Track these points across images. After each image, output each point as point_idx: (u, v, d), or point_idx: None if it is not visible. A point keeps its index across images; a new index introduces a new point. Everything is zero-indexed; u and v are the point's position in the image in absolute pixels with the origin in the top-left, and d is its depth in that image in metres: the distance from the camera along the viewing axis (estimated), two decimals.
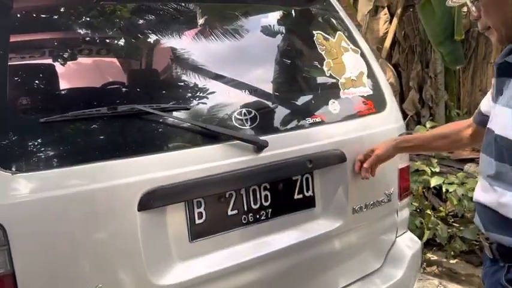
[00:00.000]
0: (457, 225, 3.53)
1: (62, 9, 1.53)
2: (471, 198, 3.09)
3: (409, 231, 2.21)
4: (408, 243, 2.09)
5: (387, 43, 4.49)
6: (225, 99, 1.60)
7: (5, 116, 1.24)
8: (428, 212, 3.30)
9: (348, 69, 1.93)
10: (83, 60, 1.54)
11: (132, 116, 1.37)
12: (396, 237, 2.09)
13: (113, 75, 1.57)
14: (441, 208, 3.52)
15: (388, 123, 1.98)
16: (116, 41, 1.61)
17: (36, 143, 1.27)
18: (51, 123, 1.28)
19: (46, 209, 1.23)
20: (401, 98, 5.12)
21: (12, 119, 1.26)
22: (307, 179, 1.75)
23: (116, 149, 1.34)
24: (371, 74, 2.01)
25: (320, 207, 1.80)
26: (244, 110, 1.58)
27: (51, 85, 1.41)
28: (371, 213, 1.92)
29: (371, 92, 1.97)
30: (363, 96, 1.94)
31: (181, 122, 1.45)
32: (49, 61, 1.45)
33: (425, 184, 3.34)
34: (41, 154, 1.27)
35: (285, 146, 1.64)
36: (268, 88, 1.72)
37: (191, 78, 1.59)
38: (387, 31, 4.54)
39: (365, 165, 1.73)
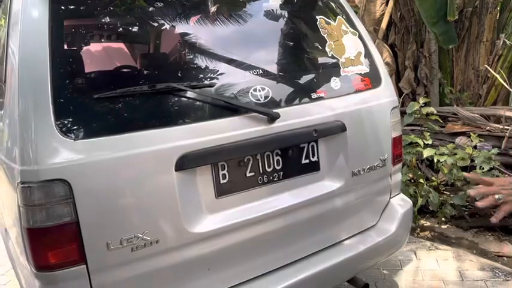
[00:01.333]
0: (448, 193, 3.83)
1: None
2: (460, 167, 3.38)
3: (401, 193, 2.50)
4: (400, 203, 2.38)
5: (383, 24, 4.72)
6: (243, 78, 1.85)
7: (66, 94, 1.51)
8: (421, 181, 3.59)
9: (347, 49, 2.19)
10: (126, 45, 1.79)
11: (168, 93, 1.64)
12: (390, 197, 2.38)
13: (152, 58, 1.80)
14: (433, 178, 3.81)
15: (382, 98, 2.25)
16: (151, 29, 1.85)
17: (91, 115, 1.54)
18: (103, 98, 1.54)
19: (102, 169, 1.51)
20: (397, 77, 5.37)
21: (72, 96, 1.52)
22: (312, 146, 2.03)
23: (156, 120, 1.61)
24: (368, 54, 2.27)
25: (324, 170, 2.08)
26: (258, 87, 1.84)
27: (101, 67, 1.66)
28: (368, 176, 2.20)
29: (368, 70, 2.23)
30: (360, 74, 2.20)
31: (208, 97, 1.71)
32: (99, 46, 1.71)
33: (419, 156, 3.62)
34: (96, 124, 1.54)
35: (294, 117, 1.91)
36: (279, 68, 1.98)
37: (217, 61, 1.84)
38: (384, 13, 4.76)
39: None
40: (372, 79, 2.23)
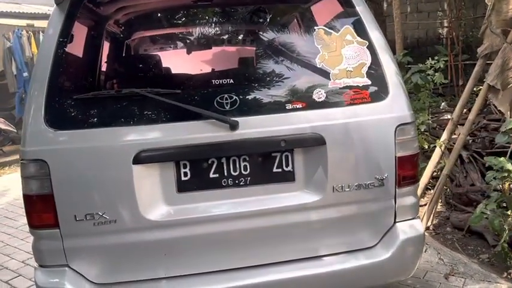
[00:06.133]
0: None
1: None
2: None
3: (417, 219, 2.25)
4: (406, 229, 2.16)
5: None
6: (212, 87, 2.02)
7: (54, 91, 1.92)
8: (509, 212, 3.04)
9: (345, 60, 2.10)
10: (102, 53, 2.13)
11: (131, 97, 1.94)
12: (395, 221, 2.18)
13: (126, 65, 2.10)
14: None
15: (384, 113, 2.08)
16: (123, 39, 2.15)
17: (71, 112, 1.94)
18: (80, 99, 1.93)
19: (73, 155, 1.90)
20: None
21: (58, 93, 1.94)
22: (286, 156, 2.05)
23: (119, 119, 1.92)
24: (376, 65, 2.12)
25: (300, 181, 2.07)
26: (226, 95, 1.98)
27: (81, 73, 2.06)
28: (357, 194, 2.08)
29: (369, 83, 2.10)
30: (357, 87, 2.09)
31: (170, 102, 1.94)
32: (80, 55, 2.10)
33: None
34: (74, 119, 1.93)
35: (259, 126, 1.98)
36: (254, 78, 2.05)
37: (186, 68, 2.05)
38: None
39: None
40: (373, 92, 2.10)
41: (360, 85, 2.09)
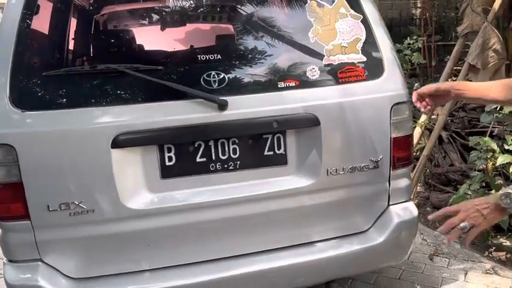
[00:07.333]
0: None
1: None
2: None
3: (411, 201, 2.18)
4: (400, 212, 2.09)
5: (496, 4, 3.99)
6: (198, 63, 1.84)
7: (20, 67, 1.71)
8: (492, 192, 3.04)
9: (339, 35, 1.97)
10: (76, 27, 1.92)
11: (108, 73, 1.74)
12: (389, 204, 2.10)
13: (101, 39, 1.90)
14: None
15: (380, 91, 1.98)
16: (99, 12, 1.94)
17: (40, 92, 1.74)
18: (50, 76, 1.73)
19: (44, 139, 1.70)
20: None
21: (24, 70, 1.72)
22: (278, 138, 1.92)
23: (96, 99, 1.73)
24: (370, 41, 2.01)
25: (293, 165, 1.95)
26: (213, 73, 1.81)
27: (49, 47, 1.84)
28: (351, 177, 1.99)
29: (364, 59, 1.98)
30: (352, 63, 1.97)
31: (152, 80, 1.76)
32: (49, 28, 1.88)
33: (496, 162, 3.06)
34: (43, 98, 1.73)
35: (250, 106, 1.83)
36: (242, 55, 1.89)
37: (167, 42, 1.87)
38: None
39: (424, 90, 1.65)
40: (368, 69, 1.98)
41: (355, 62, 1.98)
